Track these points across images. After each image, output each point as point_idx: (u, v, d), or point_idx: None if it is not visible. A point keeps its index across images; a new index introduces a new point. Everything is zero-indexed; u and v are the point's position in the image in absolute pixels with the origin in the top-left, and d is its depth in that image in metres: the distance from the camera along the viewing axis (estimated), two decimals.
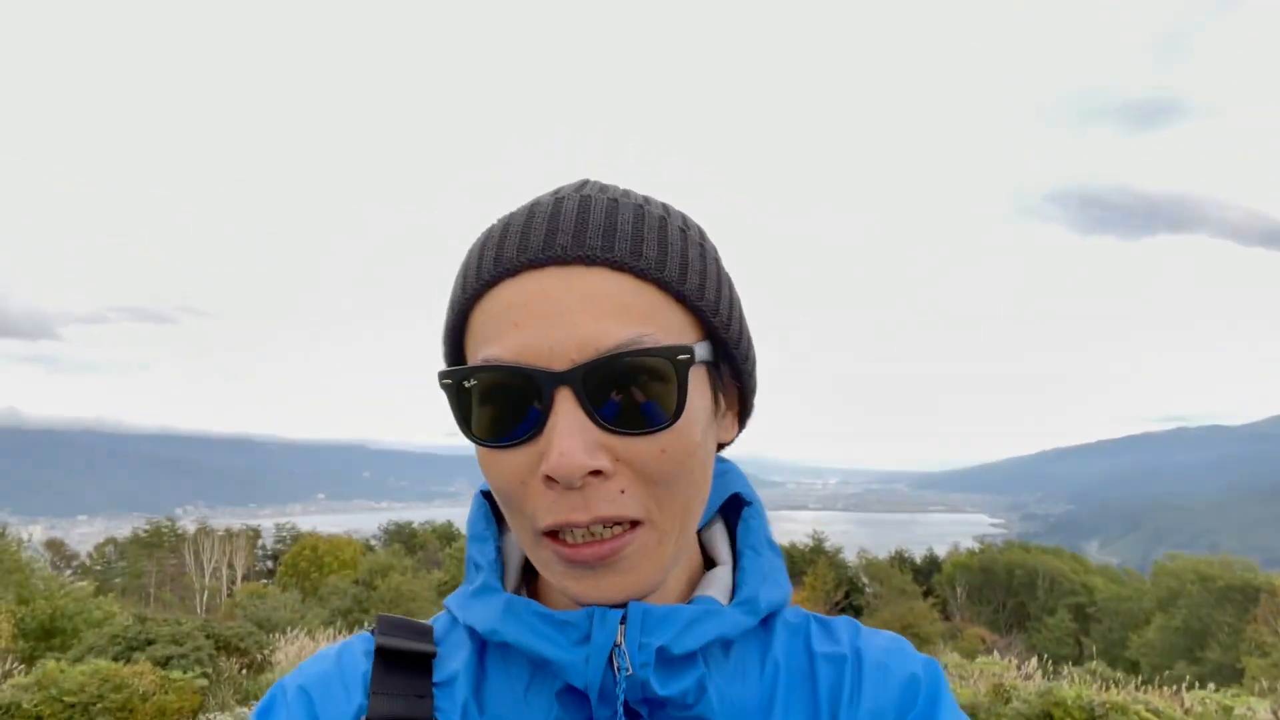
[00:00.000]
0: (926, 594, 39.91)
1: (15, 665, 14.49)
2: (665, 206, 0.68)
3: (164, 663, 12.78)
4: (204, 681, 12.65)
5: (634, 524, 0.63)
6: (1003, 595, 44.89)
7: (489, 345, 0.62)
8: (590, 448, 0.60)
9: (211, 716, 12.27)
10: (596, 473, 0.61)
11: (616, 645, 0.64)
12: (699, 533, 0.75)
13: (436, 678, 0.71)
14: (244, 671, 13.65)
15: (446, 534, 56.18)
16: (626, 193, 0.66)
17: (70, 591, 21.03)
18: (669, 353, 0.60)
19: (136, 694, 11.57)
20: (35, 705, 11.26)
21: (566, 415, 0.59)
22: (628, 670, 0.64)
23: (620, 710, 0.64)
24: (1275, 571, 44.02)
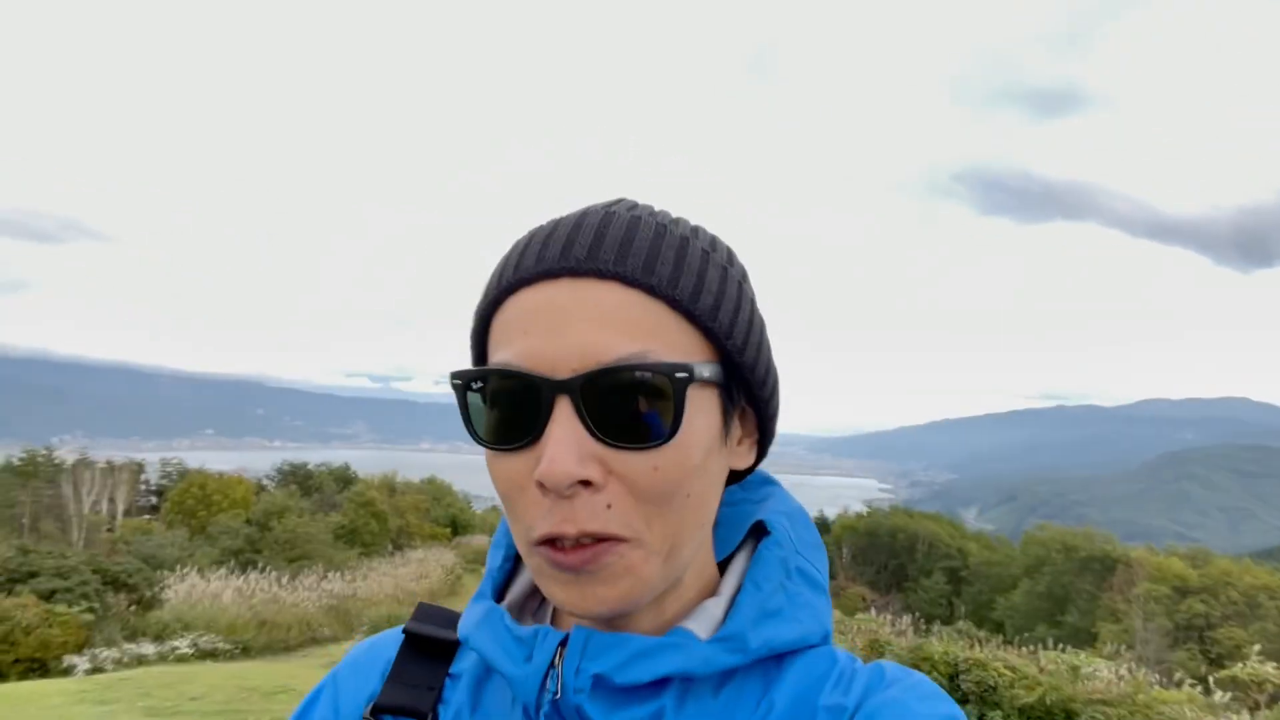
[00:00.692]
0: None
1: None
2: (696, 229, 0.67)
3: (48, 596, 12.44)
4: (90, 616, 12.37)
5: (622, 540, 0.62)
6: (885, 557, 47.09)
7: (500, 350, 0.63)
8: (582, 458, 0.60)
9: (98, 651, 12.05)
10: (587, 484, 0.60)
11: (553, 667, 0.64)
12: (723, 562, 0.74)
13: (454, 669, 0.73)
14: (132, 608, 13.37)
15: (344, 477, 55.27)
16: (656, 212, 0.66)
17: None
18: (668, 369, 0.60)
19: (19, 626, 11.27)
20: None
21: (563, 424, 0.59)
22: (555, 694, 0.64)
23: None
24: (1134, 544, 47.44)
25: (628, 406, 0.60)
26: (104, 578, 13.39)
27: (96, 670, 11.40)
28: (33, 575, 13.14)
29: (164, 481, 57.28)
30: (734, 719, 0.65)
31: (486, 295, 0.65)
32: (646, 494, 0.61)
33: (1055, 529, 46.52)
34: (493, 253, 0.68)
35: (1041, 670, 8.87)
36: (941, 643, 9.85)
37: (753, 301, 0.67)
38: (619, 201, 0.67)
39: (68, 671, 11.39)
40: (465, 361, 0.66)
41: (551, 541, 0.62)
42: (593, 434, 0.60)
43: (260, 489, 46.74)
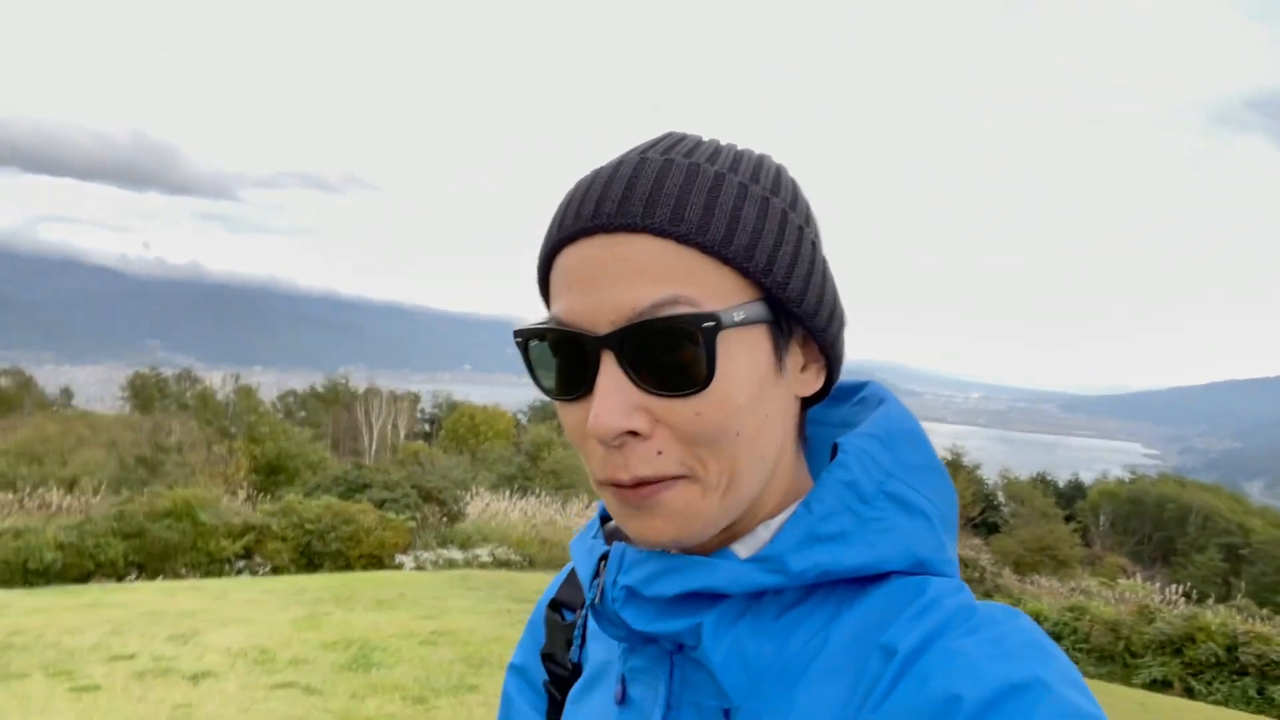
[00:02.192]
0: (1068, 519, 39.34)
1: (256, 495, 17.11)
2: (738, 159, 0.67)
3: (380, 504, 14.90)
4: (413, 524, 14.70)
5: (676, 477, 0.63)
6: (1149, 528, 43.62)
7: (554, 305, 0.66)
8: (626, 409, 0.61)
9: (419, 553, 14.35)
10: (635, 434, 0.62)
11: (597, 579, 0.70)
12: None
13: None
14: (444, 519, 15.68)
15: None
16: (692, 150, 0.66)
17: (292, 436, 24.08)
18: (694, 320, 0.61)
19: (362, 528, 13.68)
20: (282, 529, 13.52)
21: (607, 376, 0.62)
22: (594, 599, 0.69)
23: (629, 637, 0.69)
24: None
25: (664, 356, 0.61)
26: (420, 493, 15.76)
27: (419, 569, 13.62)
28: (366, 487, 15.73)
29: (435, 411, 63.99)
30: (786, 646, 0.65)
31: (541, 252, 0.68)
32: (694, 438, 0.62)
33: None
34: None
35: None
36: (1218, 615, 9.58)
37: (800, 229, 0.66)
38: (659, 142, 0.67)
39: (399, 567, 13.71)
40: None
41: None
42: (636, 384, 0.61)
43: (517, 423, 51.11)
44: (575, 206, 0.65)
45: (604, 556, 0.70)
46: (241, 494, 17.22)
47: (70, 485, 16.28)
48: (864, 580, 0.65)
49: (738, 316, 0.62)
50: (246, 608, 9.05)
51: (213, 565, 12.74)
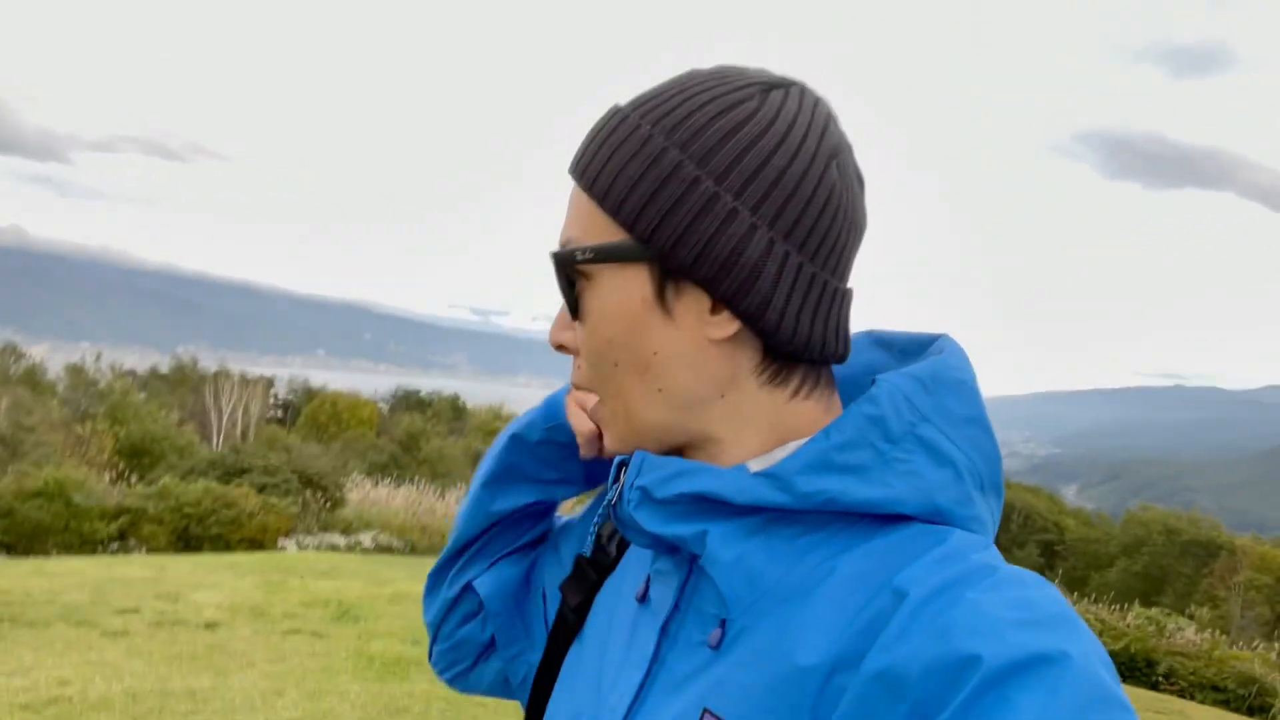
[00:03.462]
0: None
1: (122, 477, 16.50)
2: (676, 108, 0.66)
3: (260, 489, 14.76)
4: (295, 509, 14.66)
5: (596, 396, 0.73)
6: None
7: None
8: (560, 326, 0.73)
9: (300, 538, 14.34)
10: (566, 349, 0.73)
11: (617, 483, 0.74)
12: None
13: None
14: (326, 505, 15.66)
15: (454, 405, 58.21)
16: (640, 97, 0.69)
17: (158, 419, 23.05)
18: (553, 256, 0.70)
19: (244, 512, 13.60)
20: (159, 512, 13.27)
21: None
22: (612, 500, 0.73)
23: (650, 544, 0.71)
24: (1243, 534, 46.33)
25: (560, 287, 0.70)
26: (301, 478, 15.68)
27: (303, 553, 13.64)
28: (245, 471, 15.52)
29: (289, 396, 61.78)
30: (794, 569, 0.64)
31: None
32: (588, 360, 0.70)
33: (1159, 510, 45.90)
34: None
35: (1128, 626, 9.95)
36: None
37: (693, 179, 0.64)
38: (665, 86, 0.69)
39: (283, 551, 13.68)
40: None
41: None
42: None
43: (380, 412, 50.15)
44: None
45: (625, 463, 0.73)
46: (107, 476, 16.58)
47: None
48: (882, 520, 0.64)
49: (581, 255, 0.67)
50: (202, 576, 9.31)
51: (84, 547, 12.38)
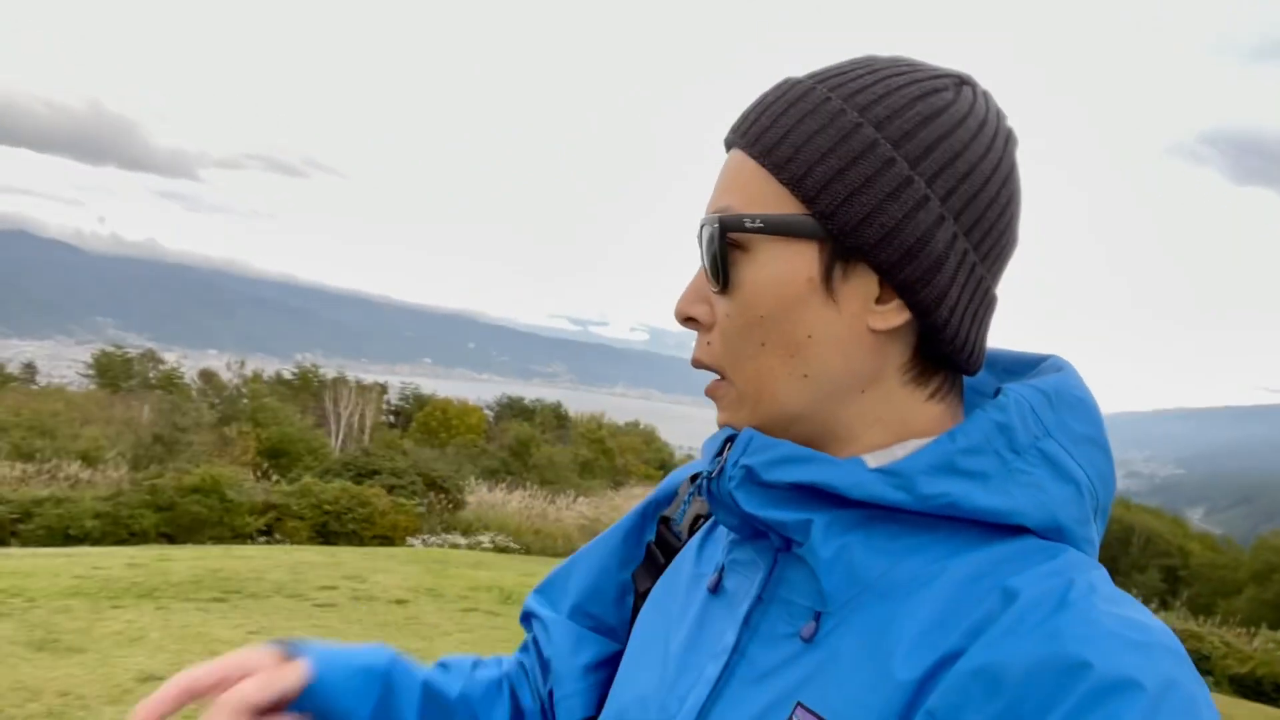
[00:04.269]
0: None
1: (265, 476, 17.82)
2: (872, 85, 0.63)
3: (389, 490, 15.73)
4: (421, 509, 15.56)
5: (721, 375, 0.67)
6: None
7: None
8: (691, 298, 0.67)
9: (426, 537, 15.22)
10: (697, 322, 0.67)
11: (719, 458, 0.69)
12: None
13: None
14: (448, 506, 16.54)
15: (557, 414, 59.43)
16: (820, 72, 0.66)
17: (294, 421, 24.74)
18: (707, 221, 0.64)
19: (376, 510, 14.52)
20: (300, 508, 14.32)
21: (698, 270, 0.67)
22: (711, 475, 0.68)
23: (739, 525, 0.68)
24: None
25: (709, 256, 0.65)
26: (425, 480, 16.61)
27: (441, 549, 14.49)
28: (375, 473, 16.55)
29: (400, 402, 64.26)
30: (898, 567, 0.62)
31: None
32: (725, 337, 0.65)
33: None
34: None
35: (1255, 650, 9.75)
36: (1161, 616, 10.86)
37: (889, 161, 0.61)
38: (844, 65, 0.66)
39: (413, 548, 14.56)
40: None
41: None
42: (706, 277, 0.66)
43: (486, 419, 51.75)
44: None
45: (731, 439, 0.69)
46: (251, 475, 17.92)
47: (85, 459, 16.88)
48: (995, 529, 0.62)
49: (750, 224, 0.62)
50: (371, 564, 10.27)
51: (235, 539, 13.50)
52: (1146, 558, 43.92)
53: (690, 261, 0.70)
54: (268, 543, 13.72)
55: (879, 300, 0.64)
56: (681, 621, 0.73)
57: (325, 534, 14.30)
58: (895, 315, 0.64)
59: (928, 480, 0.61)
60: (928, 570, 0.61)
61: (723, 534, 0.75)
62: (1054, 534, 0.62)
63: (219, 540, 13.31)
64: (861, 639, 0.60)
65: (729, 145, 0.67)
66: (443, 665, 0.91)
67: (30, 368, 61.96)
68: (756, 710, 0.62)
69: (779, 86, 0.66)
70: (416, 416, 51.78)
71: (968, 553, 0.61)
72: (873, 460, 0.64)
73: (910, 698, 0.56)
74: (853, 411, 0.66)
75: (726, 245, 0.64)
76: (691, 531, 0.83)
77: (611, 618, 0.92)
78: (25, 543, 11.84)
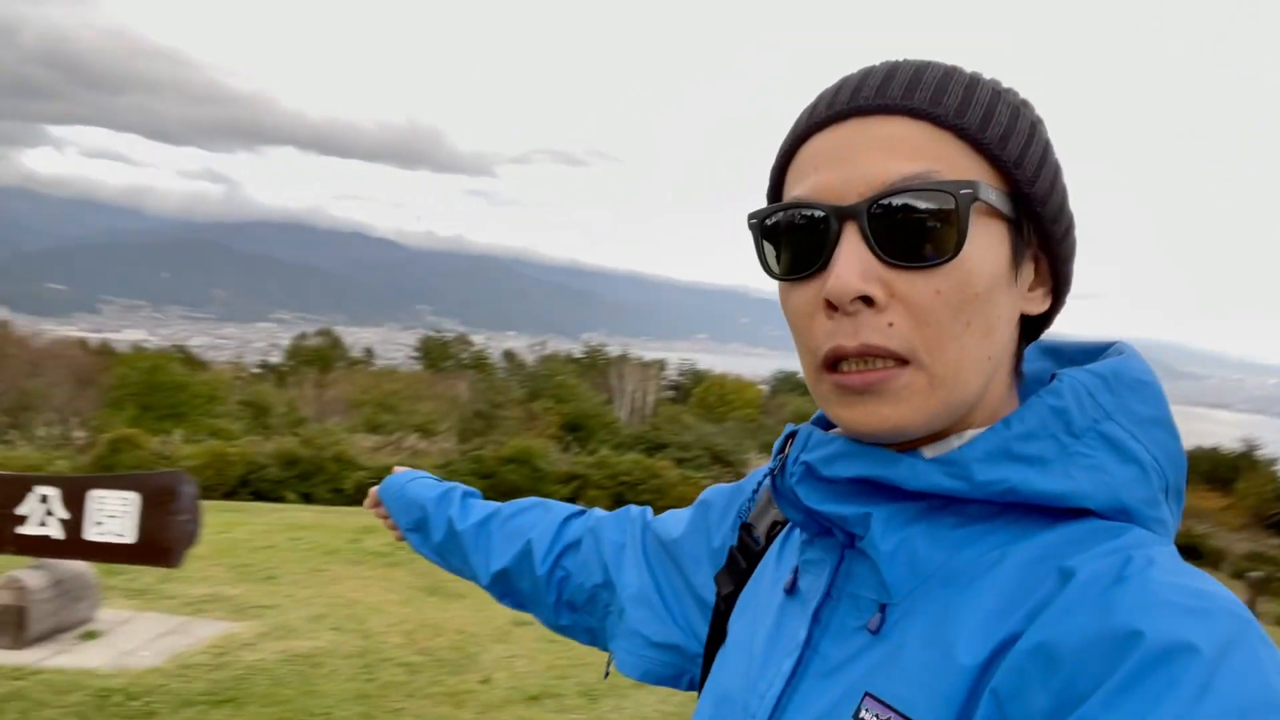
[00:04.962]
0: None
1: (566, 448, 19.65)
2: (991, 81, 0.64)
3: (677, 463, 16.75)
4: (709, 481, 16.37)
5: (904, 363, 0.60)
6: None
7: (793, 190, 0.65)
8: (864, 275, 0.60)
9: None
10: (870, 302, 0.60)
11: (781, 455, 0.70)
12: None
13: None
14: (733, 479, 17.22)
15: None
16: (946, 64, 0.65)
17: (589, 398, 27.07)
18: (953, 186, 0.59)
19: (666, 482, 15.57)
20: (599, 479, 15.68)
21: (849, 245, 0.60)
22: (775, 470, 0.70)
23: (804, 521, 0.69)
24: None
25: (910, 226, 0.59)
26: (710, 454, 17.46)
27: None
28: (664, 446, 17.67)
29: (678, 378, 66.57)
30: (958, 556, 0.62)
31: (783, 143, 0.68)
32: (926, 317, 0.60)
33: None
34: None
35: None
36: None
37: (1047, 143, 0.64)
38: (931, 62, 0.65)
39: None
40: None
41: (836, 366, 0.62)
42: (877, 255, 0.60)
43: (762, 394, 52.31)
44: (829, 98, 0.65)
45: (792, 435, 0.71)
46: (554, 447, 19.83)
47: (422, 431, 19.57)
48: (1058, 514, 0.61)
49: (990, 196, 0.60)
50: None
51: None
52: None
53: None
54: None
55: (1032, 287, 0.66)
56: (763, 623, 0.76)
57: (622, 503, 15.37)
58: (1043, 301, 0.67)
59: (984, 467, 0.61)
60: (989, 557, 0.61)
61: (798, 537, 0.77)
62: (1120, 516, 0.61)
63: None
64: (925, 628, 0.61)
65: (875, 109, 0.62)
66: (509, 514, 1.20)
67: (369, 351, 71.68)
68: (828, 702, 0.64)
69: (932, 65, 0.64)
70: (694, 391, 53.50)
71: (1030, 538, 0.61)
72: (929, 451, 0.64)
73: (974, 682, 0.56)
74: (985, 398, 0.65)
75: (944, 217, 0.60)
76: (770, 538, 0.86)
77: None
78: None
